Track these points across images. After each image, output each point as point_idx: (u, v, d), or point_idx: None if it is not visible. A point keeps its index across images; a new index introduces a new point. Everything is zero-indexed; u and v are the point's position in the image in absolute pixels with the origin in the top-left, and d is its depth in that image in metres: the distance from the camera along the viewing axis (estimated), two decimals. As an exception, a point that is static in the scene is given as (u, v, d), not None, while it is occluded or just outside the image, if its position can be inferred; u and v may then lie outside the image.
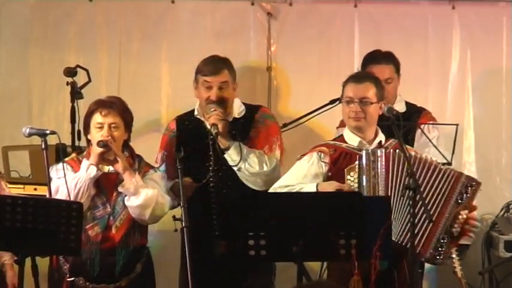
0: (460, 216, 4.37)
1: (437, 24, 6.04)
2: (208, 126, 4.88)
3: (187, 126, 5.05)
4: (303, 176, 4.56)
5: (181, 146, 4.66)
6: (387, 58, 5.34)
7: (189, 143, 4.93)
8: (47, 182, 4.49)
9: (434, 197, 4.35)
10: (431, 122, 5.34)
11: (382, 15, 6.05)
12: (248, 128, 4.98)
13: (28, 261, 4.27)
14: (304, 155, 4.64)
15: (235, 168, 4.87)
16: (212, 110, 4.86)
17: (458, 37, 6.03)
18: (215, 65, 4.94)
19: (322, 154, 4.57)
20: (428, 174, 4.37)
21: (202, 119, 5.00)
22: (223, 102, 4.90)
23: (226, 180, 4.92)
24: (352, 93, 4.56)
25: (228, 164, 4.88)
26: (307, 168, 4.57)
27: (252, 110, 5.07)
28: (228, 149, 4.86)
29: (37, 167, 5.26)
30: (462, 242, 4.48)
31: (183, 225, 4.33)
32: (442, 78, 6.05)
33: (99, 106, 4.63)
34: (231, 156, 4.86)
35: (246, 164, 4.85)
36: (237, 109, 5.02)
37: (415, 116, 5.33)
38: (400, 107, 5.29)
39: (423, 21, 6.04)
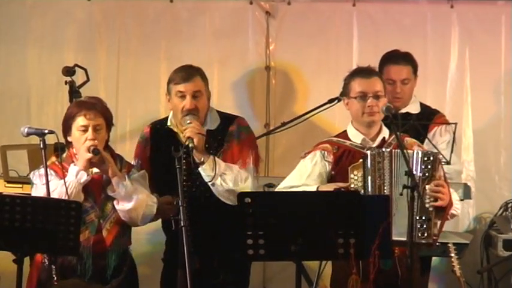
0: (426, 191, 4.33)
1: (435, 22, 6.04)
2: (182, 139, 4.75)
3: (161, 135, 4.93)
4: (307, 176, 4.55)
5: (179, 145, 4.60)
6: (406, 58, 5.34)
7: (162, 153, 4.83)
8: (45, 182, 4.46)
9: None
10: (432, 122, 5.32)
11: (381, 14, 6.05)
12: (221, 141, 4.85)
13: (27, 260, 4.28)
14: (308, 153, 4.62)
15: (209, 183, 4.75)
16: (188, 122, 4.72)
17: (457, 36, 6.03)
18: (187, 72, 4.83)
19: (326, 152, 4.56)
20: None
21: (175, 129, 4.88)
22: (197, 113, 4.78)
23: (199, 196, 4.80)
24: (364, 88, 4.51)
25: (201, 178, 4.76)
26: (311, 168, 4.56)
27: (226, 122, 4.92)
28: (202, 163, 4.71)
29: (36, 167, 5.24)
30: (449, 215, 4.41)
31: (182, 224, 4.31)
32: (440, 76, 6.05)
33: (83, 108, 4.55)
34: (205, 171, 4.72)
35: (221, 180, 4.73)
36: (213, 121, 4.89)
37: (429, 117, 5.32)
38: (414, 108, 5.31)
39: (422, 20, 6.04)
